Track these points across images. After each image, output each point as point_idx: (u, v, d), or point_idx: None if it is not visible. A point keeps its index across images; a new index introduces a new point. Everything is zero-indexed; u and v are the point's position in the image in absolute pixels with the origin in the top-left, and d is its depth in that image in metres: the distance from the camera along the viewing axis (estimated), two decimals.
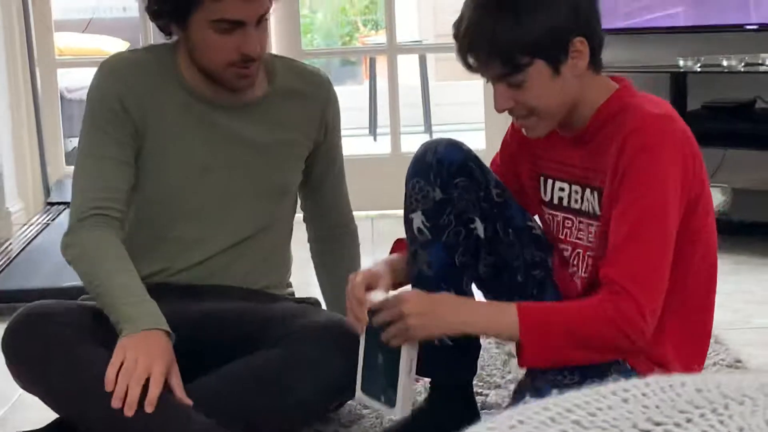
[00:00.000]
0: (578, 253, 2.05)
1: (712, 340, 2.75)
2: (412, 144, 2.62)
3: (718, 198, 3.83)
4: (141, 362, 2.00)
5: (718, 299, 3.17)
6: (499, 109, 1.99)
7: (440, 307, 1.94)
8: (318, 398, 2.13)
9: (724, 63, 3.88)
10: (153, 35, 4.68)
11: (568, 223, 2.07)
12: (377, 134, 7.22)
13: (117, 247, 2.18)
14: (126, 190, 2.23)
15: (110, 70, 2.26)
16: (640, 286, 1.85)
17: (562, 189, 2.08)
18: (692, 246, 1.97)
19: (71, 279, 3.43)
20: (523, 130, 2.02)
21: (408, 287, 2.07)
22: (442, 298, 2.02)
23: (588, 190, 2.01)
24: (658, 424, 0.65)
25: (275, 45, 4.66)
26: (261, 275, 2.33)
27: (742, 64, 3.85)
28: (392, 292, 2.02)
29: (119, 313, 2.08)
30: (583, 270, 2.03)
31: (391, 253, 2.19)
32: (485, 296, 2.17)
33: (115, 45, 6.49)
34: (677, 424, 0.65)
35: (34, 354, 2.12)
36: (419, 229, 2.07)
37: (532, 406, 0.69)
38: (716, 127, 4.05)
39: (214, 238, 2.29)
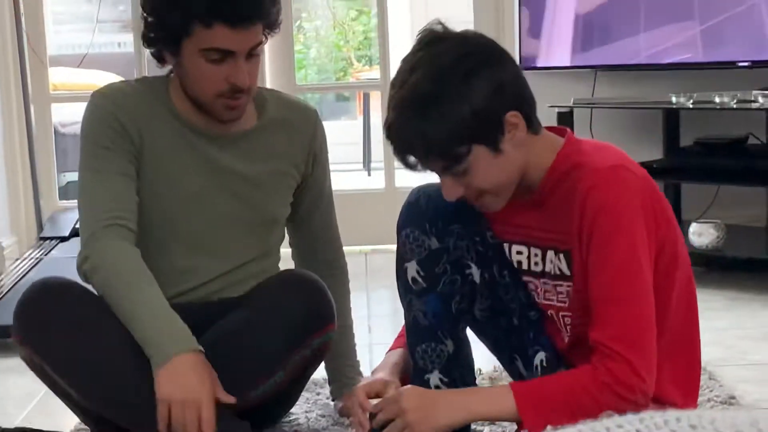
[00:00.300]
0: (551, 314, 2.05)
1: (706, 377, 2.75)
2: (406, 179, 2.63)
3: (711, 234, 3.83)
4: (189, 411, 2.02)
5: (712, 336, 3.18)
6: (451, 199, 1.96)
7: (438, 400, 1.94)
8: (285, 341, 2.20)
9: (717, 100, 3.90)
10: (148, 70, 4.70)
11: (531, 287, 2.06)
12: (371, 169, 7.23)
13: (137, 259, 2.17)
14: (136, 205, 2.23)
15: (104, 95, 2.28)
16: (630, 346, 1.85)
17: (519, 252, 2.06)
18: (670, 283, 1.96)
19: None
20: (480, 208, 2.01)
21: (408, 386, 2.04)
22: (439, 392, 2.03)
23: (551, 252, 2.00)
24: None
25: (270, 80, 4.68)
26: None
27: (735, 101, 3.87)
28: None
29: (144, 335, 2.09)
30: (566, 330, 2.03)
31: (392, 348, 2.18)
32: (481, 338, 2.17)
33: (110, 80, 6.51)
34: None
35: (49, 319, 2.15)
36: (414, 279, 2.07)
37: None
38: (709, 164, 4.07)
39: (205, 266, 2.31)
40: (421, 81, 1.87)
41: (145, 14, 2.26)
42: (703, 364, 2.86)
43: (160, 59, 2.28)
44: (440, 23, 1.96)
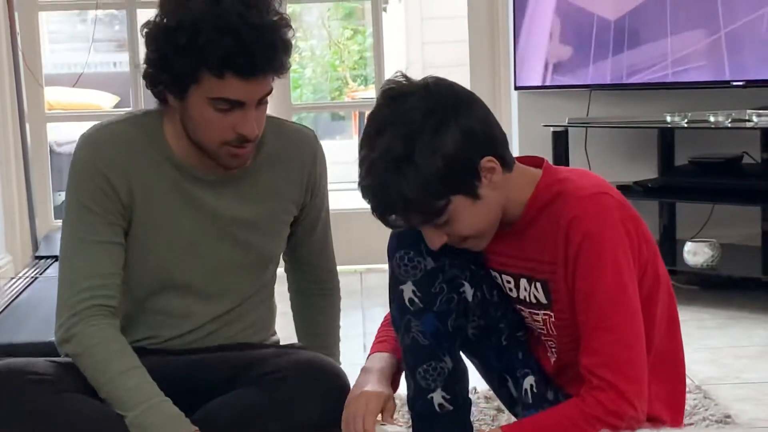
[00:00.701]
0: (539, 334, 2.06)
1: (701, 396, 2.76)
2: None
3: (706, 253, 3.83)
4: None
5: (707, 354, 3.18)
6: (436, 248, 1.98)
7: None
8: None
9: (711, 119, 3.91)
10: (143, 91, 4.70)
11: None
12: None
13: (120, 342, 2.10)
14: (120, 274, 2.16)
15: (94, 144, 2.16)
16: (620, 373, 1.86)
17: (495, 278, 2.08)
18: (653, 303, 1.97)
19: None
20: (466, 248, 2.01)
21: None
22: None
23: (524, 281, 2.01)
24: None
25: None
26: (247, 337, 2.31)
27: (729, 120, 3.88)
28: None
29: (139, 421, 2.02)
30: (552, 353, 2.04)
31: (372, 353, 2.17)
32: (472, 360, 2.17)
33: (106, 99, 6.51)
34: None
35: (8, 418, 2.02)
36: (411, 300, 2.06)
37: None
38: (703, 183, 4.07)
39: (201, 310, 2.25)
40: (392, 142, 1.86)
41: (149, 51, 2.11)
42: (698, 383, 2.88)
43: (161, 100, 2.16)
44: (403, 75, 1.95)
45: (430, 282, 2.05)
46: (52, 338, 3.33)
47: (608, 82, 4.22)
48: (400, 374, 2.15)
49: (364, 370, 2.13)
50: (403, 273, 2.05)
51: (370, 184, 1.90)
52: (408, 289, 2.06)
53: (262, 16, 2.05)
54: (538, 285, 1.99)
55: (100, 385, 2.07)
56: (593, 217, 1.89)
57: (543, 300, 1.98)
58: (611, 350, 1.87)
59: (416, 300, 2.05)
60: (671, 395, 2.03)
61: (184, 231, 2.20)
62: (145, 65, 2.12)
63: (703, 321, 3.59)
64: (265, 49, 2.05)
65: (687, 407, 2.66)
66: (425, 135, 1.85)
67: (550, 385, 2.04)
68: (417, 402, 2.08)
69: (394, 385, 2.14)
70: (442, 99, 1.90)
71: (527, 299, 2.02)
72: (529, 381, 2.07)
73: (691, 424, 2.59)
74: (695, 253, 3.84)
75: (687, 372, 2.68)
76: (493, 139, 1.92)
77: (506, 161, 1.94)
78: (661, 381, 2.00)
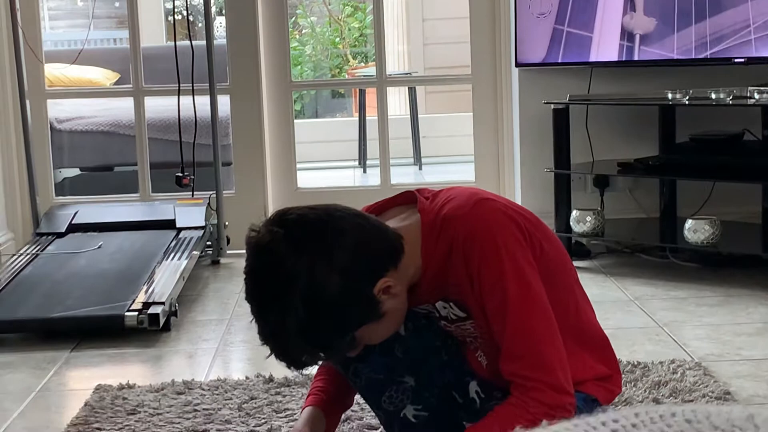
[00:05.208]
0: (470, 341, 2.09)
1: (701, 372, 2.76)
2: (402, 176, 2.62)
3: (706, 230, 3.84)
4: None
5: (707, 332, 3.19)
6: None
7: None
8: None
9: (713, 96, 3.90)
10: (143, 67, 4.70)
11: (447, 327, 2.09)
12: (367, 166, 7.22)
13: None
14: None
15: None
16: (546, 369, 1.92)
17: (424, 309, 2.08)
18: (552, 283, 2.01)
19: (59, 310, 3.42)
20: None
21: None
22: None
23: (440, 303, 2.02)
24: None
25: (265, 78, 4.67)
26: None
27: (731, 97, 3.88)
28: None
29: None
30: (484, 359, 2.08)
31: (305, 406, 2.19)
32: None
33: (106, 76, 6.50)
34: None
35: None
36: (415, 416, 2.08)
37: None
38: (704, 160, 4.07)
39: None
40: (276, 319, 1.85)
41: None
42: (697, 360, 2.89)
43: None
44: (254, 230, 1.89)
45: (428, 390, 2.08)
46: (53, 315, 3.35)
47: (610, 60, 4.21)
48: (335, 424, 2.22)
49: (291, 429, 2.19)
50: (398, 403, 2.08)
51: (279, 350, 1.90)
52: (410, 412, 2.09)
53: None
54: (452, 304, 2.01)
55: None
56: (481, 230, 1.93)
57: (461, 314, 2.01)
58: (533, 351, 1.93)
59: (420, 415, 2.08)
60: (601, 352, 2.12)
61: None
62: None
63: (703, 298, 3.60)
64: None
65: (687, 384, 2.68)
66: (297, 302, 1.82)
67: (493, 386, 2.07)
68: (392, 425, 2.11)
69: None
70: (299, 260, 1.83)
71: (450, 316, 2.04)
72: (473, 387, 2.09)
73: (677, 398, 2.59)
74: (696, 231, 3.85)
75: (686, 349, 2.67)
76: (378, 258, 1.91)
77: (398, 259, 1.93)
78: (588, 345, 2.09)
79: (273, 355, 1.91)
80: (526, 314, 1.93)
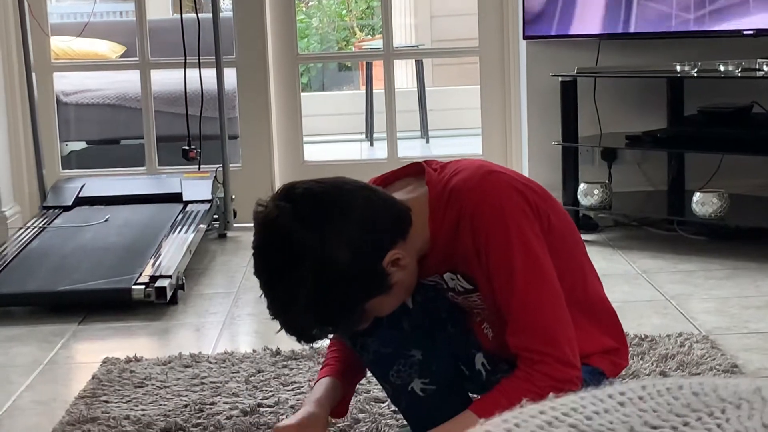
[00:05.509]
0: (478, 312, 2.08)
1: (708, 345, 2.76)
2: (409, 149, 2.61)
3: (714, 203, 3.82)
4: None
5: (715, 305, 3.19)
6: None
7: None
8: None
9: (721, 68, 3.88)
10: (149, 40, 4.68)
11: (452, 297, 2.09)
12: (374, 139, 7.21)
13: None
14: None
15: None
16: (553, 343, 1.92)
17: (432, 281, 2.07)
18: (560, 256, 2.00)
19: (66, 283, 3.43)
20: None
21: None
22: None
23: (448, 275, 2.02)
24: (655, 427, 0.65)
25: (272, 50, 4.66)
26: None
27: (739, 69, 3.86)
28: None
29: None
30: (491, 331, 2.08)
31: (318, 379, 2.18)
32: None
33: (112, 49, 6.49)
34: (674, 428, 0.65)
35: None
36: (422, 389, 2.08)
37: (528, 410, 0.69)
38: (713, 133, 4.05)
39: None
40: (285, 294, 1.85)
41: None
42: (705, 333, 2.89)
43: None
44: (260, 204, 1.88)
45: (437, 361, 2.08)
46: (60, 288, 3.36)
47: (618, 32, 4.19)
48: (350, 393, 2.22)
49: (306, 398, 2.18)
50: (406, 377, 2.08)
51: (290, 324, 1.90)
52: (417, 385, 2.09)
53: None
54: (459, 276, 2.01)
55: None
56: (488, 203, 1.92)
57: (469, 286, 2.01)
58: (539, 324, 1.92)
59: (428, 388, 2.08)
60: (608, 325, 2.12)
61: None
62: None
63: (710, 271, 3.59)
64: None
65: (694, 357, 2.68)
66: (309, 279, 1.82)
67: (498, 358, 2.06)
68: (399, 398, 2.12)
69: (344, 404, 2.19)
70: (305, 241, 1.82)
71: (457, 288, 2.03)
72: (479, 359, 2.09)
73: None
74: (704, 204, 3.84)
75: (694, 322, 2.67)
76: (385, 230, 1.90)
77: (406, 231, 1.92)
78: (595, 318, 2.09)
79: (283, 330, 1.91)
80: (533, 287, 1.92)
